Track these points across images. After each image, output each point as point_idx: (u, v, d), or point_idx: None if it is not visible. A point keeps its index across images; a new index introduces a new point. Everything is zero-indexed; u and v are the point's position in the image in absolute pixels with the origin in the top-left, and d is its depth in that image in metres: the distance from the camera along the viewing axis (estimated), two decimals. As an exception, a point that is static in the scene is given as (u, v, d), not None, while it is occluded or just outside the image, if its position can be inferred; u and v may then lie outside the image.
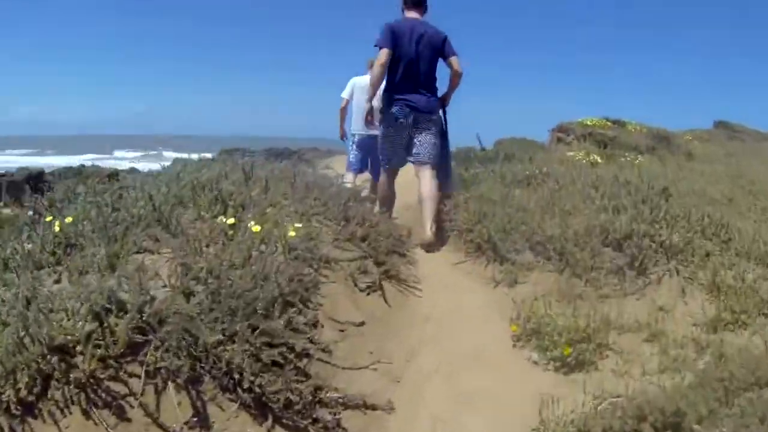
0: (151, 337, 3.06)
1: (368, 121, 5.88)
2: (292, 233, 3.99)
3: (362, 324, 3.90)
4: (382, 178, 6.08)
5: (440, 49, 5.56)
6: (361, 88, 7.50)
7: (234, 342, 3.13)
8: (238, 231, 4.06)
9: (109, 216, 4.18)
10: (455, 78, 5.73)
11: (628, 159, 9.85)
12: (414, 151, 5.71)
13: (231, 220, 4.12)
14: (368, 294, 4.18)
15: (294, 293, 3.57)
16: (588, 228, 4.91)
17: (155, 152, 69.25)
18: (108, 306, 3.07)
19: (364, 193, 6.10)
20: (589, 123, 14.22)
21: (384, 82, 5.67)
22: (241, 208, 4.49)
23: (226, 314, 3.25)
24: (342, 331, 3.77)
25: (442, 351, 3.95)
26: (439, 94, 5.89)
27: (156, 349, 3.03)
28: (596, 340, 3.93)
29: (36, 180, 23.49)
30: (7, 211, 22.10)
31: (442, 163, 5.95)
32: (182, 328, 3.07)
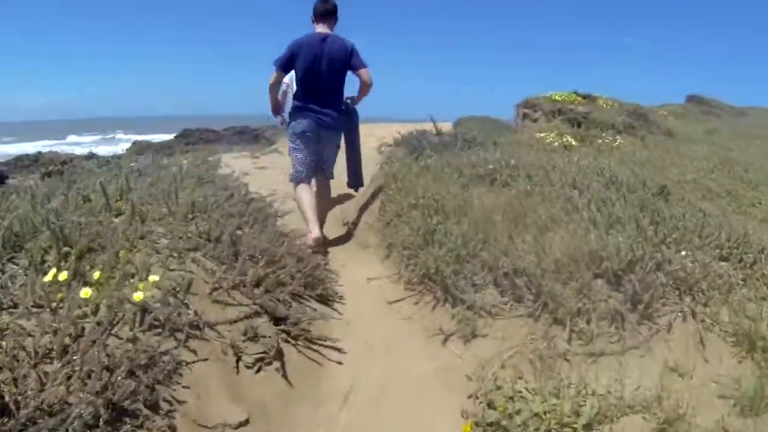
0: None
1: (277, 113, 6.05)
2: (138, 296, 2.62)
3: (245, 423, 2.55)
4: (299, 189, 5.59)
5: (348, 62, 5.47)
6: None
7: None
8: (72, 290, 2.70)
9: None
10: (365, 88, 5.63)
11: (606, 140, 8.57)
12: (322, 166, 5.77)
13: (63, 275, 2.73)
14: (258, 371, 2.83)
15: (133, 395, 2.23)
16: (573, 253, 3.59)
17: (111, 135, 66.61)
18: None
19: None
20: (557, 98, 12.96)
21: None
22: (95, 246, 3.10)
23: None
24: (210, 439, 2.43)
25: (361, 461, 2.63)
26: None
27: None
28: (589, 436, 2.64)
29: None
30: None
31: (353, 159, 6.12)
32: None
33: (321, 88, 5.46)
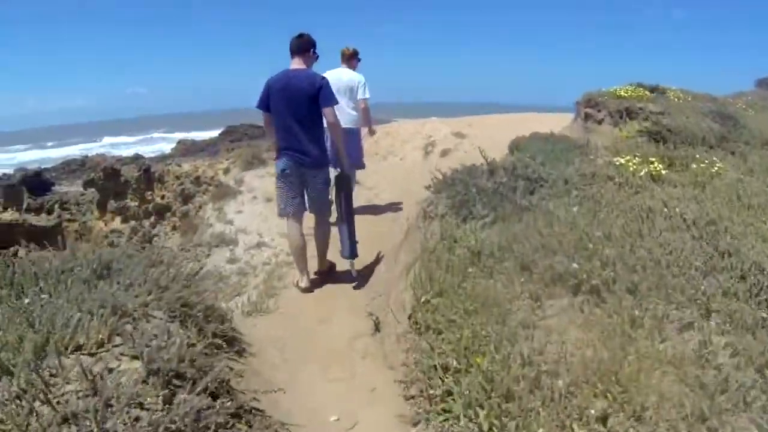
0: None
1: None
2: None
3: None
4: (288, 226, 5.43)
5: (315, 98, 5.09)
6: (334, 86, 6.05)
7: None
8: None
9: None
10: (331, 129, 5.31)
11: (702, 164, 6.47)
12: (309, 203, 5.45)
13: None
14: None
15: None
16: None
17: (149, 135, 65.69)
18: None
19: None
20: (623, 94, 10.84)
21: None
22: None
23: None
24: None
25: None
26: None
27: None
28: None
29: (33, 180, 20.59)
30: (6, 215, 19.82)
31: (346, 228, 5.49)
32: None
33: (295, 126, 5.12)
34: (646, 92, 11.19)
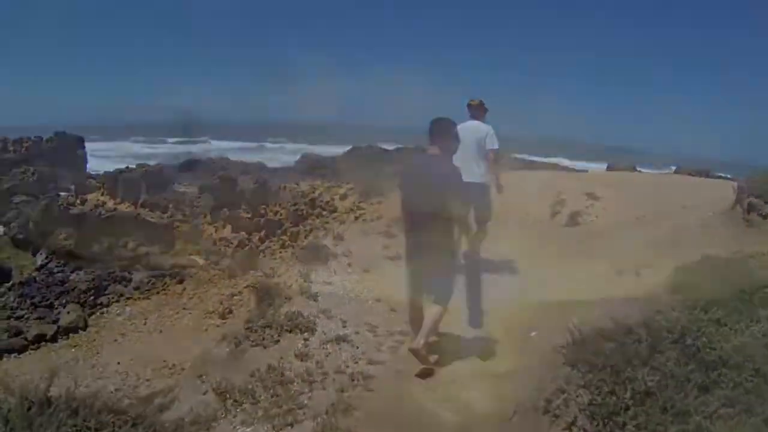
0: None
1: None
2: None
3: None
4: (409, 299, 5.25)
5: (441, 196, 4.78)
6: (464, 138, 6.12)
7: None
8: None
9: None
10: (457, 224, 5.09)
11: None
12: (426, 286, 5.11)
13: None
14: None
15: None
16: None
17: (264, 143, 65.68)
18: None
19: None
20: (797, 182, 8.71)
21: None
22: None
23: None
24: None
25: None
26: None
27: None
28: None
29: (153, 175, 20.67)
30: (123, 207, 19.92)
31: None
32: None
33: (415, 214, 4.97)
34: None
